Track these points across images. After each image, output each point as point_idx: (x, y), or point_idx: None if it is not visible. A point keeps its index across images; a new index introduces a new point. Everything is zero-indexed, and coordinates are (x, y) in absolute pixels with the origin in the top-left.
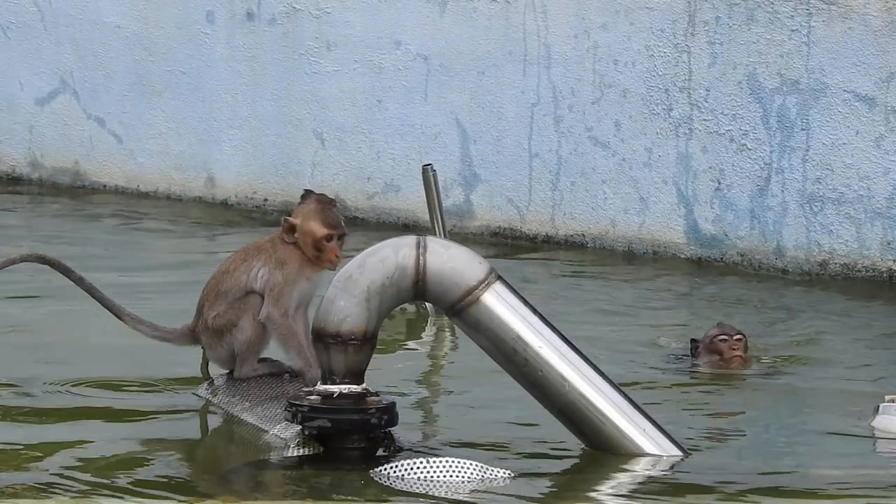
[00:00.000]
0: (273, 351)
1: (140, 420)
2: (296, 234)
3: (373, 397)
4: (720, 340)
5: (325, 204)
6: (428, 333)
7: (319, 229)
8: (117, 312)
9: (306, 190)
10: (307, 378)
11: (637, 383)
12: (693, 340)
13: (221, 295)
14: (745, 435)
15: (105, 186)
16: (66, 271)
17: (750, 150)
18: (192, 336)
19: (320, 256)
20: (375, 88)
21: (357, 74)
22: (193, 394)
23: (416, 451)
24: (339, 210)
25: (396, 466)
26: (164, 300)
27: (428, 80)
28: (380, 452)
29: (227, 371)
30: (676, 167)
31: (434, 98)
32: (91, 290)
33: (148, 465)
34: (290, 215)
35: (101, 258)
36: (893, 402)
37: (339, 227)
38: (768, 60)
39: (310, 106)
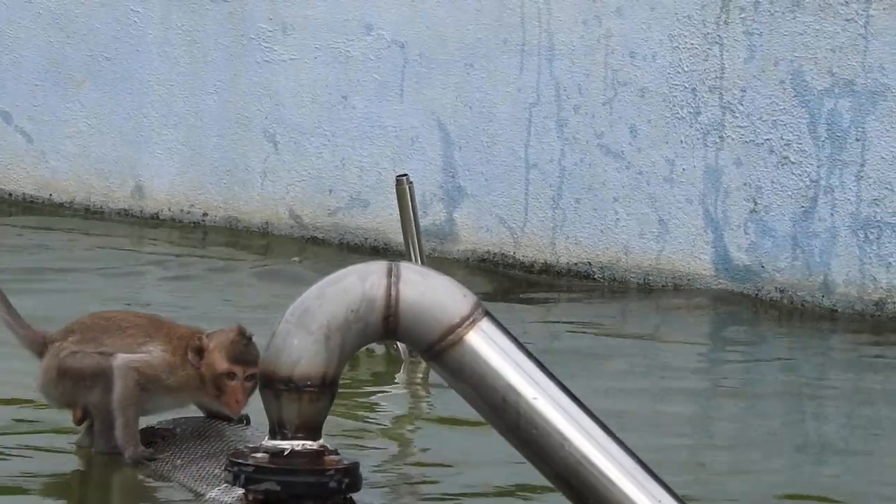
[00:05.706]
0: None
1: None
2: (201, 360)
3: (332, 456)
4: None
5: (242, 338)
6: (400, 380)
7: (221, 363)
8: None
9: (239, 328)
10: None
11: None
12: None
13: (95, 342)
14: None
15: (10, 195)
16: None
17: (793, 163)
18: (40, 347)
19: (220, 397)
20: (341, 82)
21: (319, 64)
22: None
23: None
24: (255, 351)
25: None
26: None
27: (404, 73)
28: None
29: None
30: (704, 183)
31: (411, 95)
32: None
33: None
34: (204, 336)
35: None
36: None
37: (247, 365)
38: (817, 56)
39: (261, 101)
